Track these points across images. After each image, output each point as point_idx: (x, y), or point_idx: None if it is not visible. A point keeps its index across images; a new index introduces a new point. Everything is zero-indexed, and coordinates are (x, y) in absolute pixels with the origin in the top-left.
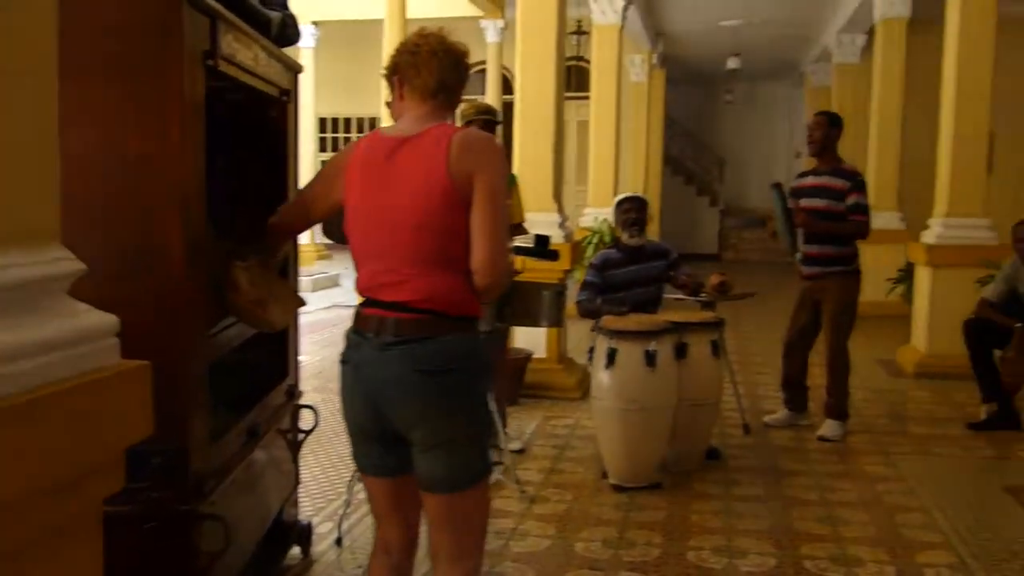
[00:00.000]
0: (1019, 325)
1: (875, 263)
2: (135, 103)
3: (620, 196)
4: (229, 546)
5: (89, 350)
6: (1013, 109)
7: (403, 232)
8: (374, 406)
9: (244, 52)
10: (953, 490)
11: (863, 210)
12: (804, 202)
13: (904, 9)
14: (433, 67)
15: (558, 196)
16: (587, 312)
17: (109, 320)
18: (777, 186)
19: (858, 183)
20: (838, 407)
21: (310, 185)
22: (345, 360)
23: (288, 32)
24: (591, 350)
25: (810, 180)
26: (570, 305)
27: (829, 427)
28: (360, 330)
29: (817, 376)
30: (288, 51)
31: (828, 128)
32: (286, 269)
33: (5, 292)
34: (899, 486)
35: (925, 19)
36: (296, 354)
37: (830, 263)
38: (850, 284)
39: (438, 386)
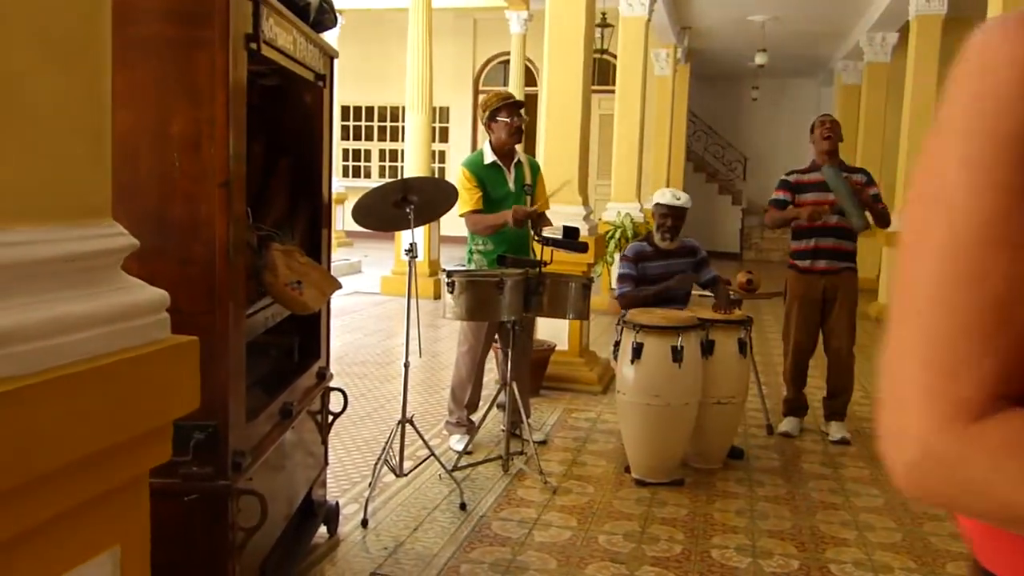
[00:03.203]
0: None
1: None
2: (182, 85)
3: (660, 197)
4: (264, 521)
5: (142, 324)
6: None
7: None
8: None
9: (284, 36)
10: None
11: (881, 200)
12: (812, 196)
13: (940, 6)
14: None
15: (583, 189)
16: (632, 303)
17: (160, 295)
18: (834, 165)
19: (871, 177)
20: (846, 408)
21: None
22: None
23: (325, 17)
24: (616, 344)
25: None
26: (595, 299)
27: (842, 428)
28: None
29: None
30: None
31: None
32: (319, 254)
33: (67, 264)
34: None
35: (961, 17)
36: (328, 337)
37: (847, 258)
38: (857, 282)
39: None
